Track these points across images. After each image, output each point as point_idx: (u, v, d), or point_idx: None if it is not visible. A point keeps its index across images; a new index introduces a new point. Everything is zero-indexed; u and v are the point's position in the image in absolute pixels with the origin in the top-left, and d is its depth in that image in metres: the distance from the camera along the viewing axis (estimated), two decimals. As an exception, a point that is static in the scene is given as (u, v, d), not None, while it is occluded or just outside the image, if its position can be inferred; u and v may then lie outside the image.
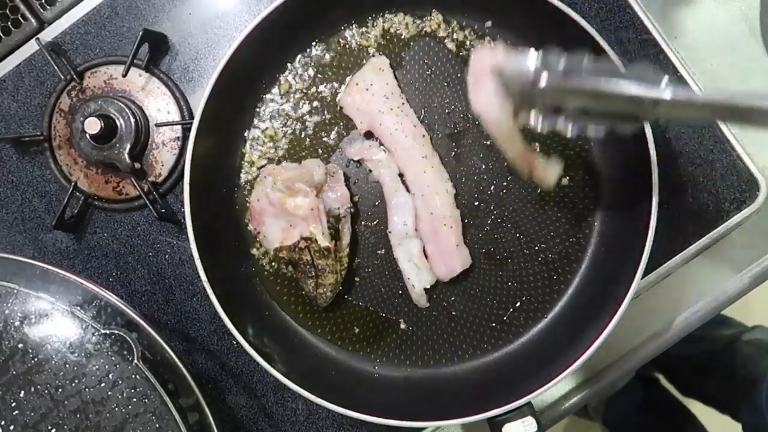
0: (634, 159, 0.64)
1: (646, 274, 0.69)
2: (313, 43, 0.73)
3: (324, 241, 0.65)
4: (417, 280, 0.69)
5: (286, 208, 0.65)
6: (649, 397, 1.40)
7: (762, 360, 1.11)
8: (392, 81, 0.71)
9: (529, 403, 0.62)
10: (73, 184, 0.74)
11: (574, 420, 1.56)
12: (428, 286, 0.69)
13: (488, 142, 0.71)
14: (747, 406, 1.09)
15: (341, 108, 0.72)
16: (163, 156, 0.75)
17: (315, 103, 0.73)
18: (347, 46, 0.73)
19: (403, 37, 0.72)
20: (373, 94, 0.70)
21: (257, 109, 0.73)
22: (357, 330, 0.71)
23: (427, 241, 0.70)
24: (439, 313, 0.71)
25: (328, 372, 0.70)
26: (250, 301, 0.71)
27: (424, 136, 0.70)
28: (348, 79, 0.72)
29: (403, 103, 0.71)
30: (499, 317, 0.71)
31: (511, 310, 0.71)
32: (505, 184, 0.71)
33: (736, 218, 0.71)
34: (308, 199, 0.65)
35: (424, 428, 0.71)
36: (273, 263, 0.72)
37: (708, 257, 0.73)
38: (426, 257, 0.70)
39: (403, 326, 0.71)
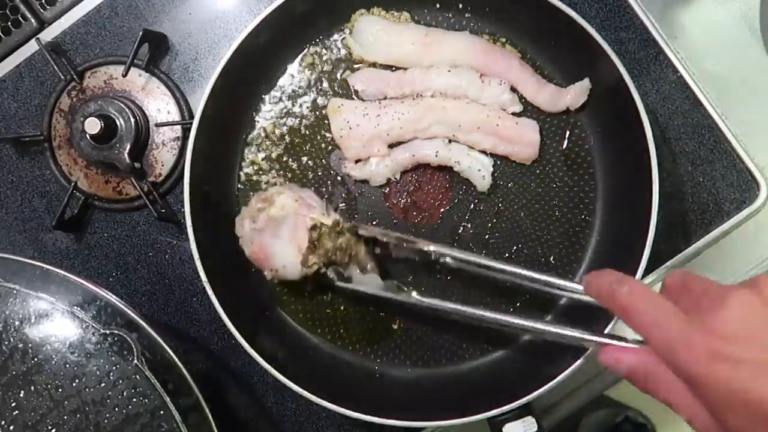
0: (634, 159, 0.64)
1: (646, 274, 0.69)
2: (313, 42, 0.73)
3: (328, 220, 0.63)
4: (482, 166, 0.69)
5: (276, 218, 0.63)
6: None
7: None
8: (358, 103, 0.70)
9: (529, 403, 0.62)
10: (73, 184, 0.74)
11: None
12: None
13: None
14: None
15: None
16: (163, 156, 0.75)
17: (314, 102, 0.73)
18: (346, 44, 0.73)
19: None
20: (358, 124, 0.69)
21: (257, 108, 0.73)
22: (357, 330, 0.71)
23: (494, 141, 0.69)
24: (439, 312, 0.71)
25: (328, 372, 0.70)
26: (250, 301, 0.70)
27: (432, 95, 0.70)
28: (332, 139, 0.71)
29: (381, 107, 0.70)
30: (499, 317, 0.71)
31: (512, 309, 0.70)
32: (501, 184, 0.71)
33: (736, 218, 0.71)
34: (286, 193, 0.64)
35: (424, 428, 0.71)
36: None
37: (708, 257, 0.73)
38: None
39: (403, 326, 0.71)
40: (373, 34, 0.70)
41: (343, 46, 0.73)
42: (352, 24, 0.72)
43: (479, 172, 0.69)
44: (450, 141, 0.70)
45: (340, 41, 0.73)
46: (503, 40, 0.72)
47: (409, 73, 0.70)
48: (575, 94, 0.68)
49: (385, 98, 0.71)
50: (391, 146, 0.71)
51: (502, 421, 0.62)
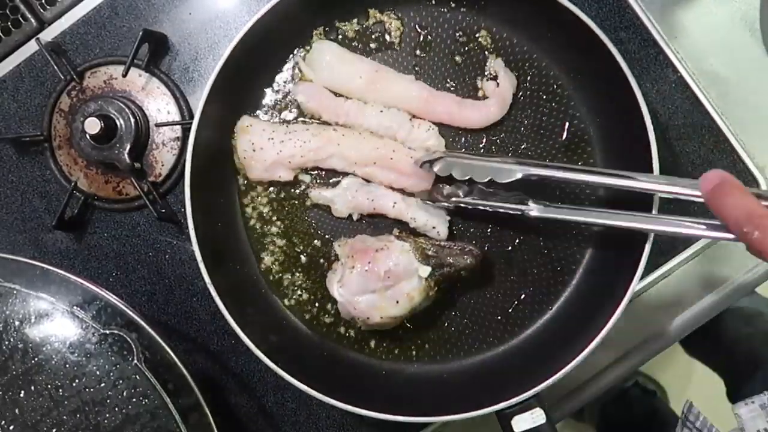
0: (636, 159, 0.64)
1: (646, 273, 0.69)
2: (311, 40, 0.73)
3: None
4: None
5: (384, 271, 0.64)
6: (644, 406, 1.40)
7: (739, 330, 1.11)
8: (266, 125, 0.70)
9: (537, 395, 0.62)
10: (73, 184, 0.74)
11: (568, 422, 1.55)
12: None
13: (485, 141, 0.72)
14: (731, 380, 1.09)
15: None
16: (163, 156, 0.75)
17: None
18: (345, 41, 0.73)
19: (394, 33, 0.72)
20: (262, 147, 0.69)
21: (257, 106, 0.73)
22: (361, 328, 0.71)
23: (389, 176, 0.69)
24: (444, 307, 0.71)
25: (334, 370, 0.70)
26: (253, 299, 0.70)
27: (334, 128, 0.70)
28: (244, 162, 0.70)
29: (287, 133, 0.70)
30: (504, 310, 0.71)
31: (516, 302, 0.71)
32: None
33: (736, 218, 0.71)
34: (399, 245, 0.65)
35: (432, 423, 0.71)
36: (276, 263, 0.72)
37: (708, 257, 0.73)
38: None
39: (408, 321, 0.71)
40: (327, 60, 0.71)
41: (341, 40, 0.73)
42: (310, 46, 0.72)
43: (434, 229, 0.69)
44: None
45: (338, 36, 0.73)
46: (500, 35, 0.72)
47: (347, 104, 0.71)
48: (506, 88, 0.69)
49: (319, 119, 0.71)
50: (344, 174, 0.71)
51: (510, 414, 0.62)
